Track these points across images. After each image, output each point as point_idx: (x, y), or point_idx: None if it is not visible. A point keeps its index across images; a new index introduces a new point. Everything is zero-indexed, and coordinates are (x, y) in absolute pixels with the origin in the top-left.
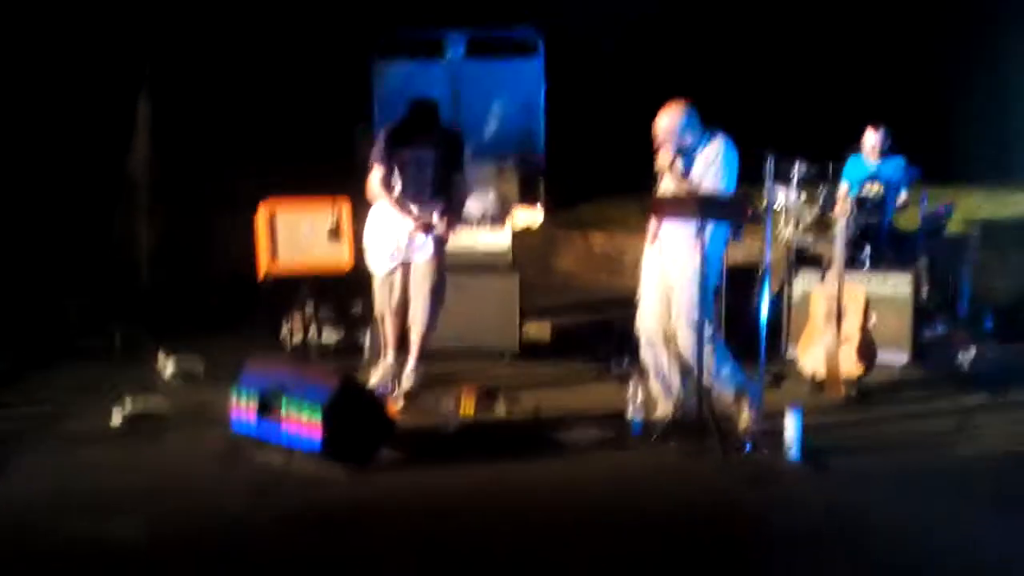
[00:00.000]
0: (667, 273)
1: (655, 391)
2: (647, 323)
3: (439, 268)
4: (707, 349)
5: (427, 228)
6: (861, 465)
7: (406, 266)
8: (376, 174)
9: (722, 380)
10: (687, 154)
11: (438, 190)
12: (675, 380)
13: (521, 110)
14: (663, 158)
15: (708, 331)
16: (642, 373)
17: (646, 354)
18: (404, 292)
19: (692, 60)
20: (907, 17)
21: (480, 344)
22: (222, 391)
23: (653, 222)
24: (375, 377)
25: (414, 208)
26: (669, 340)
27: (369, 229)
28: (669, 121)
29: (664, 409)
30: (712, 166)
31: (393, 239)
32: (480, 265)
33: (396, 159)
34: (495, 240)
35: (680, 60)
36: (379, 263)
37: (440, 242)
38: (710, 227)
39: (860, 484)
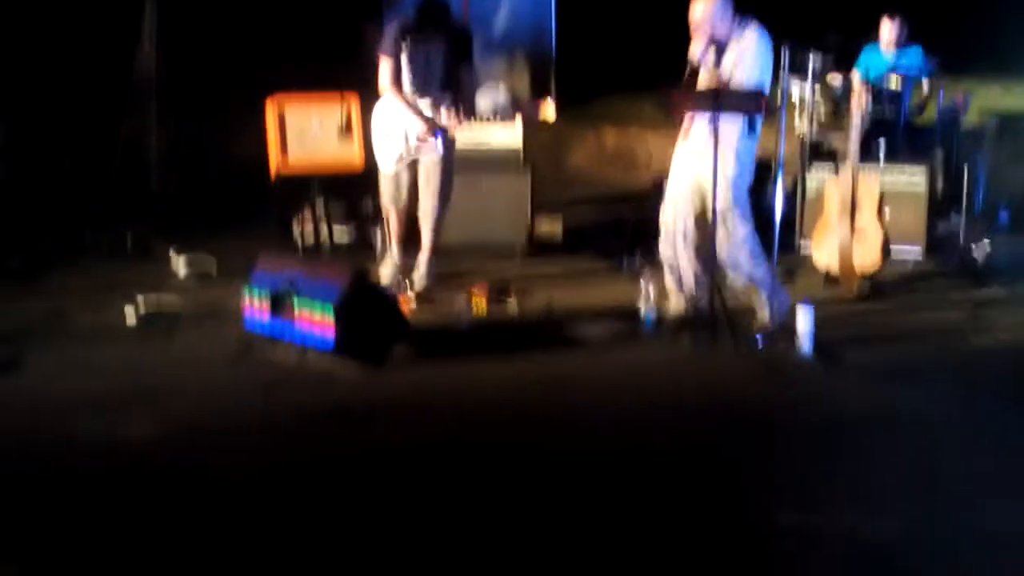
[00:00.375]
0: (700, 168)
1: (669, 285)
2: (669, 216)
3: (447, 167)
4: (744, 248)
5: (435, 129)
6: (873, 358)
7: (413, 163)
8: (386, 67)
9: (756, 279)
10: (720, 44)
11: (447, 84)
12: (690, 276)
13: (531, 3)
14: (695, 48)
15: (744, 230)
16: (657, 267)
17: (665, 248)
18: (411, 189)
19: None
20: None
21: (492, 240)
22: (234, 290)
23: (686, 116)
24: (385, 273)
25: (423, 104)
26: (694, 235)
27: (376, 124)
28: (703, 9)
29: (677, 304)
30: (745, 58)
31: (401, 136)
32: (491, 161)
33: (406, 52)
34: (506, 136)
35: None
36: (386, 160)
37: (448, 140)
38: (741, 123)
39: (871, 377)
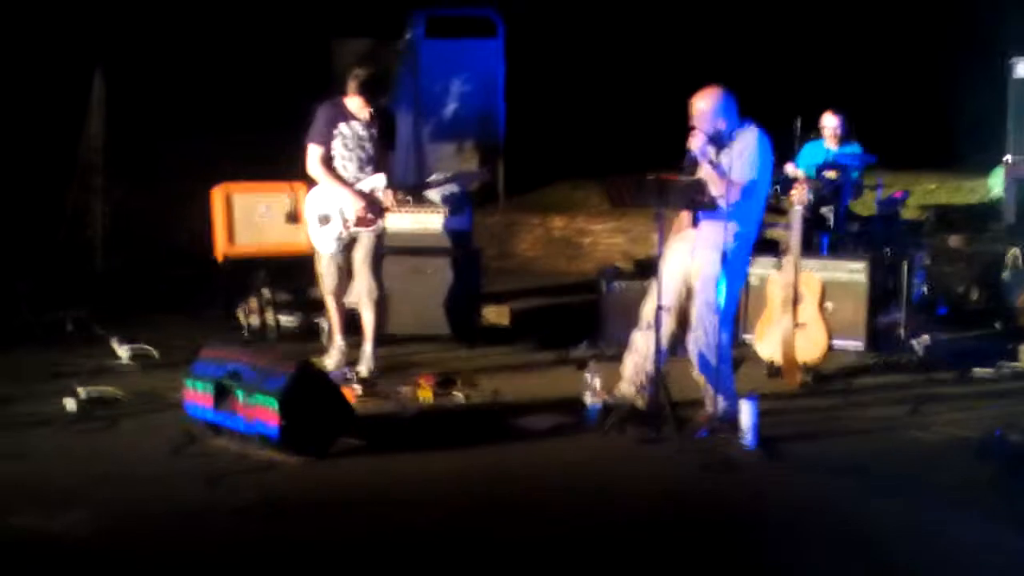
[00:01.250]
0: (690, 265)
1: (627, 371)
2: (650, 308)
3: (380, 251)
4: (717, 352)
5: (374, 205)
6: (815, 451)
7: (348, 248)
8: (315, 152)
9: (717, 382)
10: (720, 141)
11: (377, 167)
12: (651, 367)
13: (481, 91)
14: (695, 142)
15: (723, 338)
16: (601, 357)
17: (638, 336)
18: (348, 274)
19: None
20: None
21: (438, 329)
22: (177, 377)
23: (684, 214)
24: (330, 362)
25: (358, 182)
26: (661, 324)
27: (311, 208)
28: (706, 104)
29: (627, 390)
30: (744, 155)
31: (338, 217)
32: (438, 249)
33: (340, 135)
34: (453, 224)
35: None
36: (324, 242)
37: (380, 225)
38: (735, 226)
39: (813, 470)
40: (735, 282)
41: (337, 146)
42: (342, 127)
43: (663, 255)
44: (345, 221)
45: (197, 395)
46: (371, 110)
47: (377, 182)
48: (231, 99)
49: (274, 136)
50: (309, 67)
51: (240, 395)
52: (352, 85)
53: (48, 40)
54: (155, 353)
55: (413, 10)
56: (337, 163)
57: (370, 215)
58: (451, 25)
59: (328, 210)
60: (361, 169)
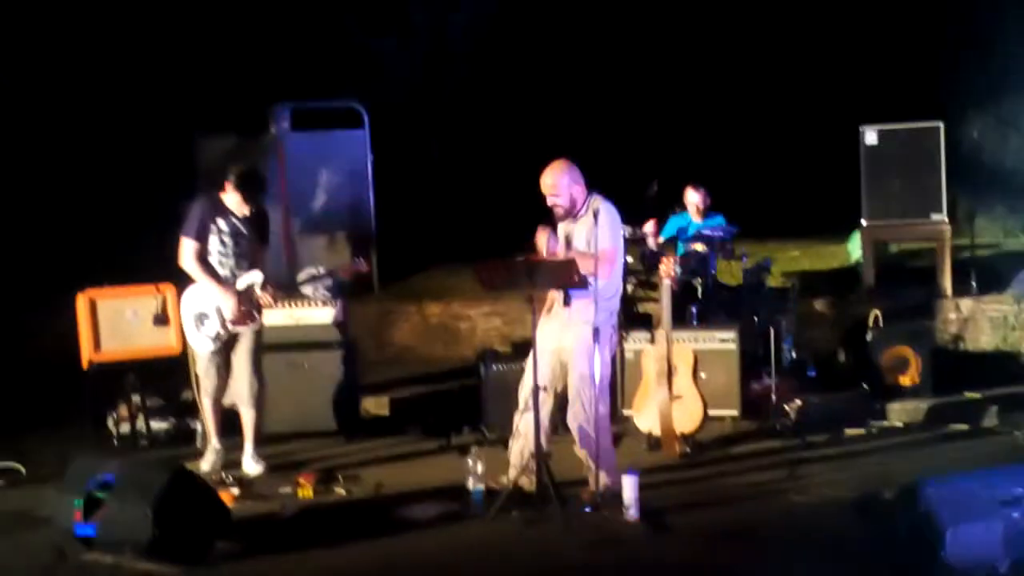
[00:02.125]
0: (562, 342)
1: (514, 456)
2: (525, 389)
3: (260, 348)
4: (599, 424)
5: (251, 302)
6: (699, 519)
7: (225, 348)
8: (189, 247)
9: (599, 454)
10: (573, 213)
11: (252, 262)
12: (533, 447)
13: (349, 181)
14: (540, 239)
15: (603, 409)
16: (484, 442)
17: (519, 420)
18: (225, 374)
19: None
20: (721, 79)
21: (317, 423)
22: (45, 492)
23: (553, 292)
24: (206, 465)
25: (236, 278)
26: (540, 403)
27: (187, 308)
28: (555, 178)
29: (515, 476)
30: (602, 226)
31: (215, 315)
32: (313, 342)
33: (216, 232)
34: (327, 316)
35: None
36: (202, 342)
37: (259, 321)
38: (603, 297)
39: (696, 541)
40: (607, 352)
41: (214, 242)
42: (219, 222)
43: (535, 336)
44: (223, 320)
45: (67, 508)
46: (250, 206)
47: (254, 278)
48: (93, 197)
49: (140, 236)
50: (173, 164)
51: (111, 503)
52: (231, 181)
53: None
54: (22, 469)
55: (277, 104)
56: (214, 259)
57: (249, 313)
58: (316, 117)
59: (205, 308)
60: (238, 266)
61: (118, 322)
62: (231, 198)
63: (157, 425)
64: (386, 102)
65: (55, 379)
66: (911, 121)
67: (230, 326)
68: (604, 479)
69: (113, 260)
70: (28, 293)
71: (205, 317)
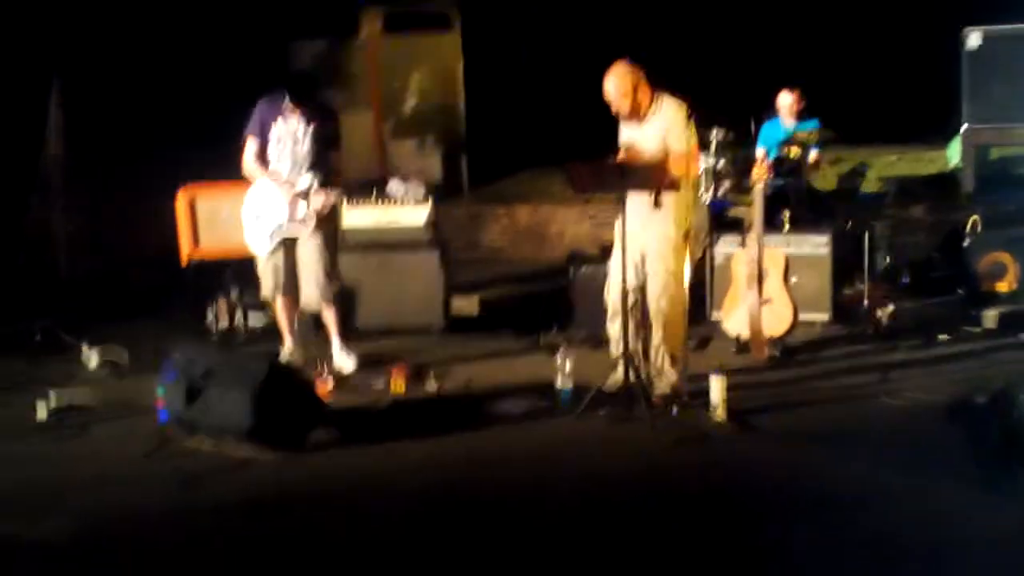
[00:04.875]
0: (639, 240)
1: (614, 358)
2: (615, 294)
3: (327, 244)
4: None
5: (304, 197)
6: (785, 423)
7: (290, 244)
8: (251, 146)
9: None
10: (640, 116)
11: (313, 165)
12: (637, 346)
13: (440, 85)
14: (625, 132)
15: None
16: (572, 341)
17: (611, 324)
18: (291, 273)
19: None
20: None
21: (408, 320)
22: (148, 380)
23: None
24: (295, 360)
25: (292, 184)
26: (634, 307)
27: (247, 208)
28: (620, 82)
29: (620, 375)
30: (673, 127)
31: (273, 215)
32: (404, 242)
33: (274, 133)
34: (418, 216)
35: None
36: (261, 243)
37: (327, 221)
38: (672, 194)
39: (784, 442)
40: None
41: (272, 145)
42: (278, 125)
43: (620, 238)
44: (280, 221)
45: (169, 395)
46: (302, 109)
47: (307, 182)
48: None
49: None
50: (267, 70)
51: (212, 392)
52: (286, 88)
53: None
54: (125, 359)
55: (370, 6)
56: (272, 159)
57: (303, 214)
58: (408, 20)
59: (262, 209)
60: (295, 168)
61: (216, 219)
62: (287, 103)
63: (254, 320)
64: (477, 4)
65: (159, 274)
66: (1016, 22)
67: (287, 227)
68: (674, 379)
69: (213, 163)
70: (134, 191)
71: (263, 216)
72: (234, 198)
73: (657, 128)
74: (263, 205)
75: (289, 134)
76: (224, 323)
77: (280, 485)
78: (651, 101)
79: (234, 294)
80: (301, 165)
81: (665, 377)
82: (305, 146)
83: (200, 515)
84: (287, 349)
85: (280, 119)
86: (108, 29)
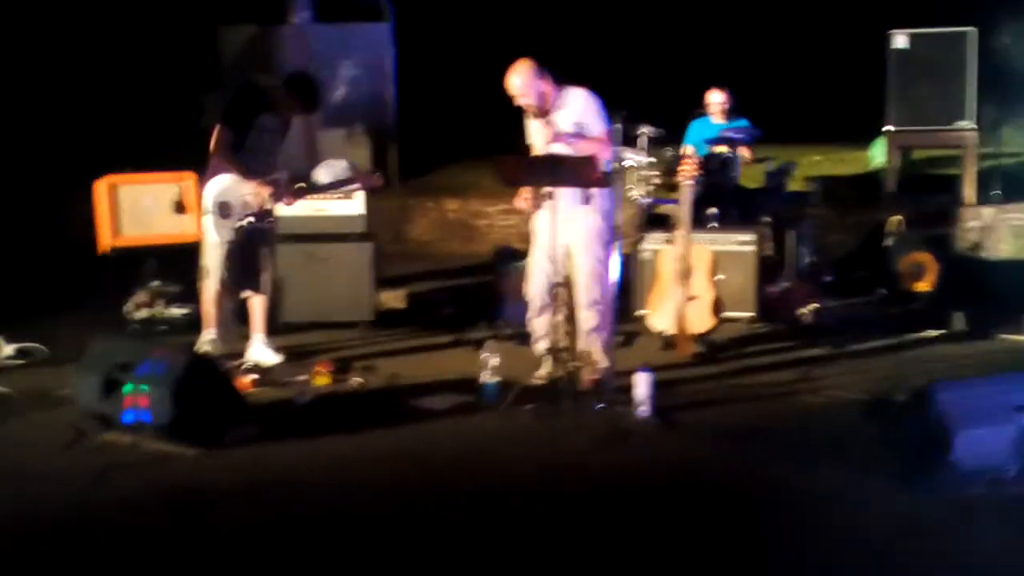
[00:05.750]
0: (565, 234)
1: (540, 353)
2: (538, 288)
3: (275, 243)
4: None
5: (276, 195)
6: (709, 418)
7: (245, 236)
8: (227, 135)
9: (603, 340)
10: (546, 110)
11: (280, 163)
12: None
13: (371, 75)
14: (535, 130)
15: (610, 292)
16: (499, 336)
17: (536, 319)
18: (240, 264)
19: (538, 24)
20: None
21: (334, 314)
22: (65, 373)
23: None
24: (214, 351)
25: (262, 175)
26: (559, 300)
27: (210, 193)
28: (520, 78)
29: (548, 369)
30: (589, 112)
31: (237, 206)
32: (332, 234)
33: (254, 129)
34: (347, 208)
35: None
36: (219, 229)
37: (274, 219)
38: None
39: (708, 438)
40: (610, 237)
41: (252, 136)
42: (262, 119)
43: (540, 232)
44: (245, 212)
45: (87, 388)
46: (305, 112)
47: (281, 176)
48: (118, 90)
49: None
50: (195, 54)
51: (130, 386)
52: (287, 87)
53: None
54: (43, 349)
55: None
56: (248, 153)
57: (268, 208)
58: (339, 8)
59: (229, 198)
60: (267, 163)
61: (137, 208)
62: (284, 101)
63: (175, 311)
64: None
65: (77, 264)
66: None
67: (251, 220)
68: (602, 369)
69: (137, 150)
70: (53, 179)
71: (228, 207)
72: (155, 187)
73: (566, 119)
74: (229, 194)
75: (270, 130)
76: (144, 314)
77: (199, 480)
78: (556, 94)
79: (155, 284)
80: (274, 160)
81: (594, 365)
82: (278, 145)
83: (117, 510)
84: (206, 337)
85: (265, 113)
86: (28, 13)
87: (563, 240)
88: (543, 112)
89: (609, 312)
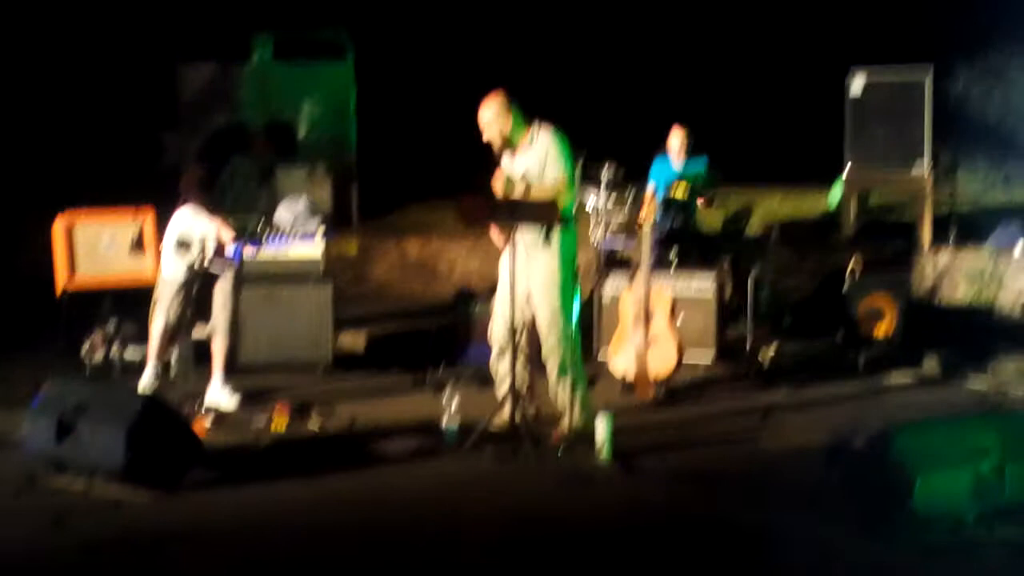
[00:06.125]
0: (525, 276)
1: (502, 396)
2: (501, 331)
3: (238, 286)
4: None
5: (237, 244)
6: (669, 463)
7: (203, 279)
8: (198, 172)
9: (571, 383)
10: (511, 143)
11: (251, 205)
12: (526, 384)
13: (332, 114)
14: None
15: (570, 334)
16: (459, 379)
17: (498, 362)
18: (191, 306)
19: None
20: (709, 22)
21: (293, 356)
22: (18, 416)
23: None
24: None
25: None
26: (519, 344)
27: (172, 230)
28: (492, 112)
29: (509, 412)
30: (551, 155)
31: (198, 246)
32: (291, 275)
33: (226, 170)
34: (306, 249)
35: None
36: (177, 267)
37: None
38: (558, 229)
39: (668, 483)
40: (575, 281)
41: (225, 177)
42: (237, 160)
43: (503, 273)
44: (205, 253)
45: (39, 431)
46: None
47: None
48: (76, 124)
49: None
50: (154, 91)
51: (84, 429)
52: (264, 135)
53: None
54: None
55: (261, 32)
56: (217, 193)
57: (232, 248)
58: (300, 47)
59: (190, 236)
60: (237, 203)
61: (94, 248)
62: (260, 145)
63: (131, 353)
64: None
65: (32, 303)
66: (897, 67)
67: (208, 261)
68: (576, 416)
69: (95, 186)
70: (10, 215)
71: (188, 245)
72: (115, 225)
73: (534, 158)
74: (191, 232)
75: (243, 172)
76: (100, 356)
77: (154, 525)
78: (527, 132)
79: (111, 326)
80: (248, 203)
81: (569, 415)
82: (248, 187)
83: (70, 555)
84: (147, 373)
85: (239, 155)
86: None
87: (523, 283)
88: (510, 147)
89: (574, 357)
